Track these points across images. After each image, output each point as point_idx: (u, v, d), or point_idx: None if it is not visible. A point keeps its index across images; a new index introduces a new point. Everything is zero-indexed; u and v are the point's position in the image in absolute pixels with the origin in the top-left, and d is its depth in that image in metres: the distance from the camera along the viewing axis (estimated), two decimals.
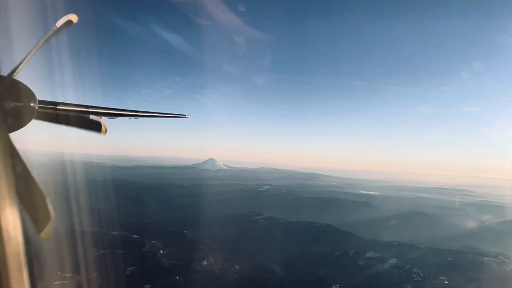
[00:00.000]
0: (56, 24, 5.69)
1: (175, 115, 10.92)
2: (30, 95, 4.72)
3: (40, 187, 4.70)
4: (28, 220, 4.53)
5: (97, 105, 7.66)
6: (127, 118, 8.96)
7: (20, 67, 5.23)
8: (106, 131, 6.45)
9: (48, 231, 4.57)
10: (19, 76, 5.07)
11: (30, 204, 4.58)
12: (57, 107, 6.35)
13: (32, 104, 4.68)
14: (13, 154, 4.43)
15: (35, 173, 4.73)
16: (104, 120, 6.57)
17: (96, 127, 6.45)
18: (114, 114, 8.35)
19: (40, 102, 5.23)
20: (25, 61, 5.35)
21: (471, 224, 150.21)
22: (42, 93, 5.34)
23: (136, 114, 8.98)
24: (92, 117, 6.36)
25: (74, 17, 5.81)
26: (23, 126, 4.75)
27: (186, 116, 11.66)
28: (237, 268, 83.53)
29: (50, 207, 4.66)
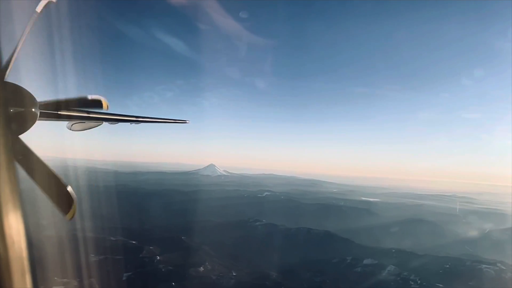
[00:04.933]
0: (36, 9, 5.79)
1: (176, 121, 11.04)
2: (31, 100, 4.80)
3: (58, 176, 5.19)
4: (53, 206, 5.17)
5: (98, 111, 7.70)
6: (128, 123, 9.20)
7: (12, 60, 5.27)
8: (108, 106, 6.19)
9: (72, 213, 5.18)
10: (13, 72, 5.13)
11: (52, 190, 5.14)
12: (59, 112, 6.41)
13: (33, 109, 4.78)
14: (26, 151, 4.90)
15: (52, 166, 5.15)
16: (103, 98, 6.17)
17: (97, 104, 6.15)
18: (115, 119, 8.61)
19: (41, 103, 5.28)
20: (15, 53, 5.39)
21: (471, 231, 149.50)
22: (42, 98, 5.44)
23: (137, 120, 9.16)
24: (91, 96, 6.09)
25: None
26: (25, 131, 4.88)
27: (187, 121, 11.96)
28: (234, 274, 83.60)
29: (71, 191, 5.22)
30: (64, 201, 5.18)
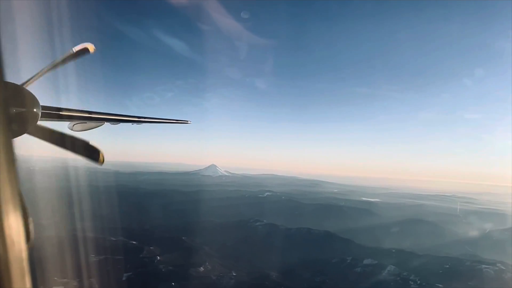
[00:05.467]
0: (73, 49, 5.92)
1: (177, 121, 11.09)
2: (33, 100, 4.82)
3: (77, 136, 5.85)
4: (85, 158, 5.86)
5: (99, 111, 7.95)
6: (129, 123, 9.29)
7: (31, 81, 5.40)
8: (103, 161, 6.09)
9: (102, 159, 5.97)
10: (14, 72, 5.06)
11: (78, 148, 5.86)
12: (61, 113, 6.52)
13: (35, 109, 4.79)
14: (46, 130, 5.33)
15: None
16: (103, 151, 6.12)
17: (94, 155, 6.05)
18: (116, 119, 8.70)
19: (43, 108, 5.28)
20: (36, 76, 5.54)
21: (471, 231, 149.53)
22: (43, 97, 5.45)
23: (138, 120, 9.22)
24: (92, 143, 6.02)
25: (91, 46, 6.10)
26: (26, 131, 4.92)
27: (188, 122, 11.98)
28: (234, 274, 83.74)
29: (95, 143, 5.84)
30: (93, 152, 5.93)
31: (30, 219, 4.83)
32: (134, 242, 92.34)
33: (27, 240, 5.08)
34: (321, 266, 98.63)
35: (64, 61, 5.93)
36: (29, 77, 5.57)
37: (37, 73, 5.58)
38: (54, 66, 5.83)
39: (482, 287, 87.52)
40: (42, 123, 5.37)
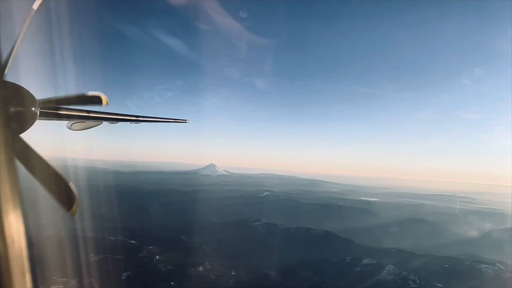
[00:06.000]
0: (33, 7, 5.78)
1: (176, 120, 11.00)
2: (31, 99, 4.80)
3: (60, 173, 5.18)
4: (55, 203, 5.15)
5: (98, 110, 7.84)
6: (128, 123, 9.24)
7: (11, 59, 5.25)
8: (107, 102, 6.12)
9: (75, 210, 5.17)
10: (13, 71, 5.13)
11: (54, 188, 5.12)
12: (59, 112, 6.44)
13: (33, 108, 4.78)
14: (27, 150, 4.88)
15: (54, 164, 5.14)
16: (103, 94, 6.12)
17: (97, 101, 6.09)
18: (115, 119, 8.61)
19: (41, 101, 5.27)
20: (13, 52, 5.37)
21: (471, 231, 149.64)
22: (43, 97, 5.46)
23: (137, 119, 9.20)
24: (90, 93, 6.05)
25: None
26: (25, 130, 4.88)
27: (187, 121, 11.94)
28: (233, 274, 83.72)
29: (74, 188, 5.21)
30: (67, 198, 5.15)
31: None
32: (133, 242, 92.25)
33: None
34: (320, 265, 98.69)
35: (29, 23, 5.76)
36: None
37: (11, 51, 5.40)
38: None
39: (482, 286, 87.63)
40: (38, 123, 5.24)
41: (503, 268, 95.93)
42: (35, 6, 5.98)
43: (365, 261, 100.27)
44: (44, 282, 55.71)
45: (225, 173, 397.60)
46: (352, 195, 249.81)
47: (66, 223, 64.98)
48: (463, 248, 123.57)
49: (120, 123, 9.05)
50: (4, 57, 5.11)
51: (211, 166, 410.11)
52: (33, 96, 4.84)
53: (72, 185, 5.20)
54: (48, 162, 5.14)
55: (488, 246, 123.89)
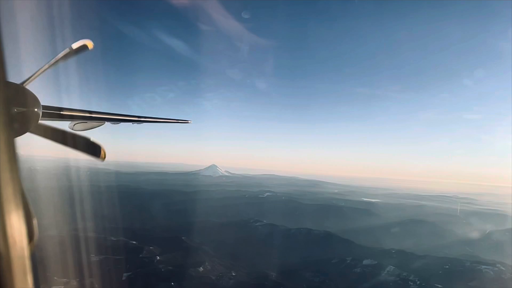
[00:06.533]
0: (72, 46, 5.92)
1: (178, 121, 11.02)
2: (34, 100, 4.83)
3: (78, 134, 5.86)
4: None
5: (101, 110, 7.99)
6: (130, 123, 9.32)
7: (31, 80, 5.41)
8: (105, 156, 6.15)
9: (104, 154, 6.02)
10: (15, 72, 5.09)
11: (80, 146, 5.89)
12: (62, 112, 6.51)
13: (36, 109, 4.81)
14: (46, 127, 5.33)
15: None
16: (104, 147, 6.17)
17: (96, 151, 6.12)
18: (117, 119, 8.71)
19: (44, 107, 5.33)
20: (36, 74, 5.54)
21: (471, 232, 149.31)
22: (45, 98, 5.48)
23: (138, 120, 9.24)
24: (93, 139, 6.08)
25: (89, 43, 6.15)
26: (27, 131, 4.92)
27: (189, 121, 11.87)
28: (233, 274, 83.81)
29: (95, 140, 5.86)
30: (94, 148, 6.00)
31: (35, 220, 4.72)
32: (134, 242, 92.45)
33: (30, 240, 5.20)
34: (320, 266, 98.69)
35: (63, 58, 5.93)
36: (29, 76, 5.63)
37: (37, 72, 5.60)
38: (53, 63, 5.88)
39: (482, 287, 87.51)
40: (43, 122, 5.40)
41: (504, 269, 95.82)
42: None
43: (365, 261, 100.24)
44: (45, 282, 55.97)
45: (226, 173, 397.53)
46: (353, 196, 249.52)
47: (68, 223, 65.34)
48: (463, 249, 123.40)
49: (122, 123, 9.11)
50: (6, 57, 5.22)
51: (213, 166, 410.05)
52: (36, 97, 4.89)
53: (93, 138, 5.98)
54: (65, 130, 5.89)
55: (489, 247, 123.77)
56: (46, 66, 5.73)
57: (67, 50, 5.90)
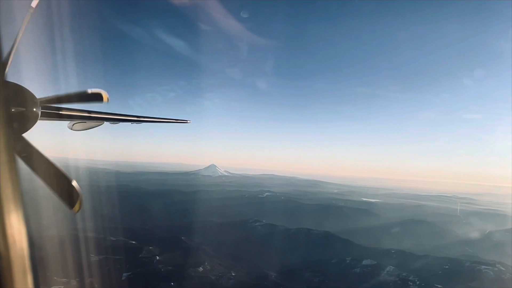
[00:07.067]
0: (31, 5, 5.82)
1: (177, 121, 11.01)
2: (33, 99, 4.84)
3: (63, 171, 5.32)
4: (56, 203, 5.38)
5: (100, 110, 7.86)
6: (129, 123, 9.24)
7: (10, 59, 5.33)
8: (108, 99, 6.16)
9: (79, 206, 5.41)
10: (14, 71, 5.19)
11: (58, 186, 5.30)
12: (60, 112, 6.47)
13: (34, 109, 4.82)
14: (29, 149, 5.00)
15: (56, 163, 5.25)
16: (104, 91, 6.17)
17: (97, 98, 6.14)
18: (116, 119, 8.64)
19: (42, 101, 5.30)
20: (13, 52, 5.44)
21: (471, 232, 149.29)
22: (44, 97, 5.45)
23: (138, 120, 9.19)
24: (90, 90, 6.07)
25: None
26: (26, 131, 4.93)
27: (188, 121, 11.93)
28: (233, 274, 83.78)
29: (76, 185, 5.38)
30: (70, 195, 5.32)
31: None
32: (133, 242, 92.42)
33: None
34: (320, 266, 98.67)
35: (29, 20, 5.78)
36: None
37: (12, 51, 5.43)
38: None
39: (481, 287, 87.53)
40: (40, 123, 5.33)
41: (503, 269, 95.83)
42: (34, 4, 6.06)
43: (365, 262, 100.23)
44: (45, 282, 55.91)
45: (226, 173, 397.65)
46: (353, 196, 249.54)
47: (67, 223, 65.20)
48: (463, 249, 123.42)
49: (121, 123, 9.07)
50: (4, 56, 5.11)
51: (212, 166, 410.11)
52: (35, 97, 4.88)
53: (75, 183, 5.35)
54: (51, 160, 5.26)
55: (489, 247, 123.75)
56: (17, 41, 5.57)
57: (30, 12, 5.79)
